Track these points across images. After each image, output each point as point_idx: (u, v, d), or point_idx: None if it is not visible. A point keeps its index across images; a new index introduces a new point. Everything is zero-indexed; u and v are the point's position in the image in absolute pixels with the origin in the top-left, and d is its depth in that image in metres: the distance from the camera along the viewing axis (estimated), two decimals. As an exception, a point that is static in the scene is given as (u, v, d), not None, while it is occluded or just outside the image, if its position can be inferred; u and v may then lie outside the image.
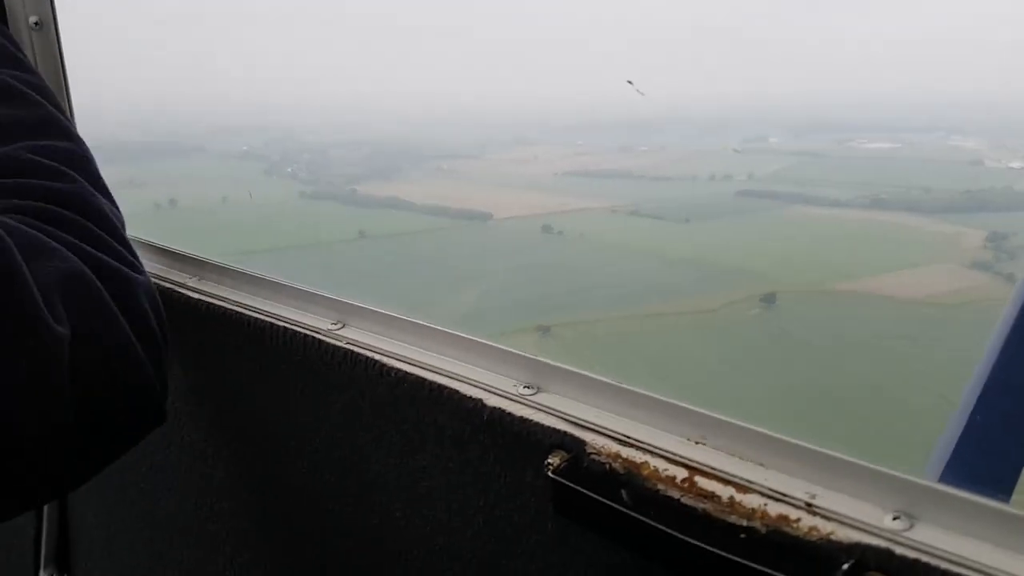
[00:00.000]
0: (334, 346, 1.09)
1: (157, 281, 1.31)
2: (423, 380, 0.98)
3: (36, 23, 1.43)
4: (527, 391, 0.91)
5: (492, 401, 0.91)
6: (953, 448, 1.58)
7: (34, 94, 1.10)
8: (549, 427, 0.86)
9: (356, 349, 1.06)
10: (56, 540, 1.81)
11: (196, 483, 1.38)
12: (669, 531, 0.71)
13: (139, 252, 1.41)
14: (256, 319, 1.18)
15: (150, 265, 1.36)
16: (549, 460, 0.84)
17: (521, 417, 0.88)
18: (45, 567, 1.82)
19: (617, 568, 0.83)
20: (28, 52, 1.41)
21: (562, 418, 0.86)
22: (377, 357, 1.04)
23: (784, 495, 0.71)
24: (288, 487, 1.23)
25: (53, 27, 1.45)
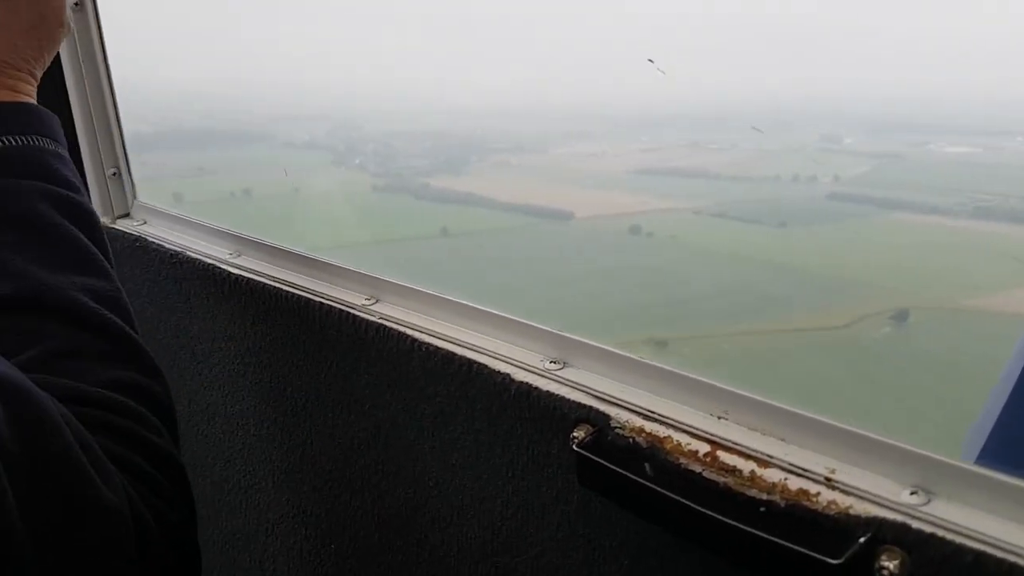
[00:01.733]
0: (367, 321, 1.11)
1: (200, 257, 1.34)
2: (453, 355, 1.01)
3: (76, 3, 1.46)
4: (553, 366, 0.93)
5: (519, 376, 0.93)
6: (989, 431, 1.56)
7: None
8: (575, 401, 0.87)
9: (388, 324, 1.09)
10: None
11: (240, 453, 1.43)
12: (689, 504, 0.72)
13: (182, 229, 1.47)
14: (293, 294, 1.21)
15: (192, 241, 1.40)
16: (575, 433, 0.86)
17: (548, 392, 0.90)
18: None
19: (640, 539, 0.85)
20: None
21: (587, 392, 0.88)
22: (409, 332, 1.06)
23: (804, 470, 0.72)
24: (325, 457, 1.27)
25: (92, 6, 1.47)
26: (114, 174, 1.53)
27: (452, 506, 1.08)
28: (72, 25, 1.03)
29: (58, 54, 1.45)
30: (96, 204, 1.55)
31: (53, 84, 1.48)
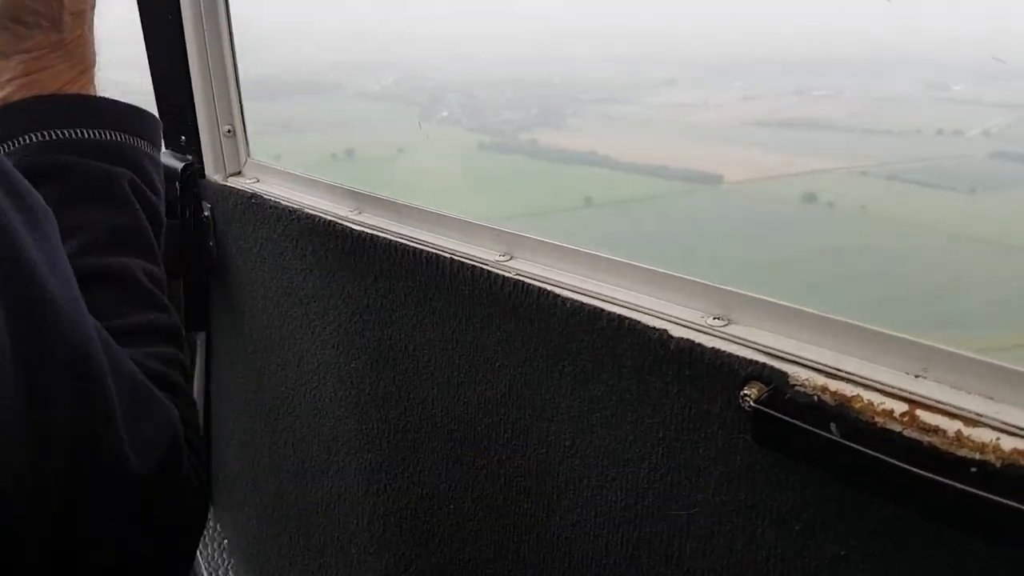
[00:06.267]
0: (503, 277, 1.09)
1: (320, 215, 1.33)
2: (600, 311, 0.98)
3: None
4: (717, 322, 0.89)
5: (678, 332, 0.90)
6: None
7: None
8: (744, 358, 0.84)
9: (526, 280, 1.06)
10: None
11: (353, 412, 1.42)
12: (895, 461, 0.68)
13: (296, 186, 1.46)
14: (420, 250, 1.19)
15: (308, 198, 1.39)
16: (745, 392, 0.82)
17: (713, 348, 0.86)
18: None
19: (816, 504, 0.81)
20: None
21: (758, 350, 0.84)
22: (550, 288, 1.03)
23: (1019, 428, 0.68)
24: (447, 416, 1.25)
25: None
26: (228, 131, 1.53)
27: (590, 468, 1.05)
28: None
29: (179, 8, 1.45)
30: (209, 162, 1.55)
31: (171, 41, 1.49)
